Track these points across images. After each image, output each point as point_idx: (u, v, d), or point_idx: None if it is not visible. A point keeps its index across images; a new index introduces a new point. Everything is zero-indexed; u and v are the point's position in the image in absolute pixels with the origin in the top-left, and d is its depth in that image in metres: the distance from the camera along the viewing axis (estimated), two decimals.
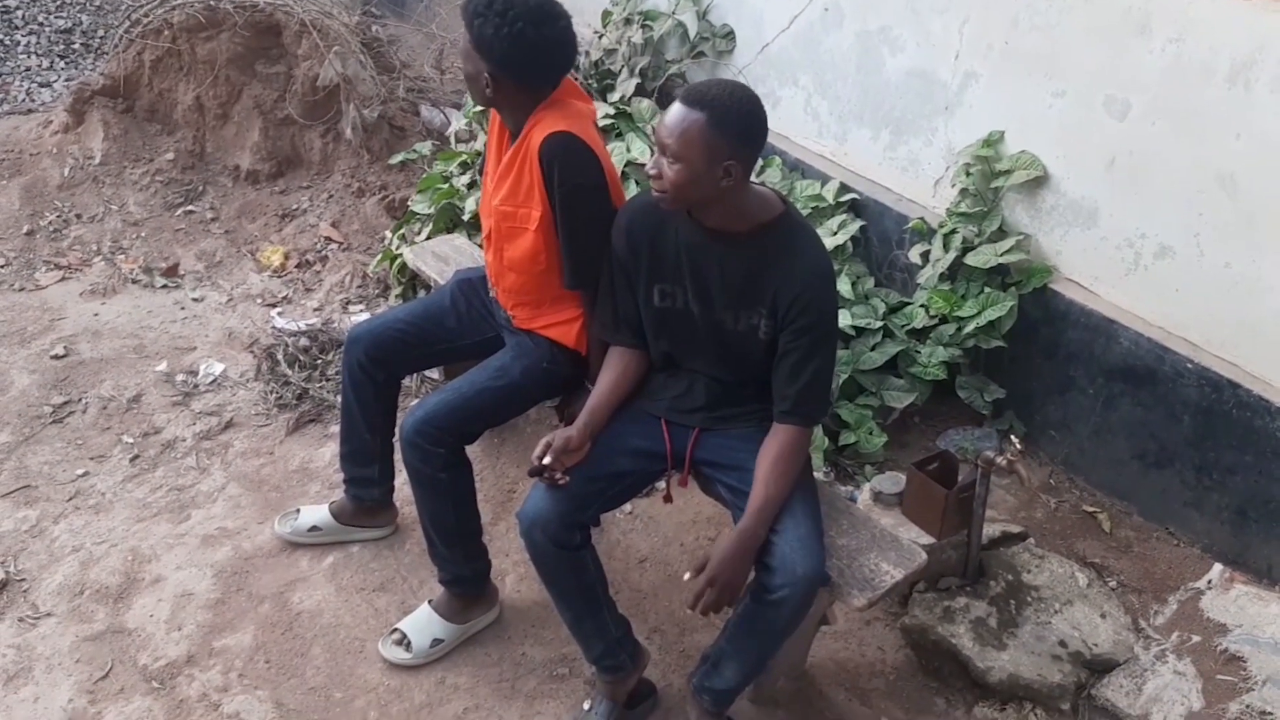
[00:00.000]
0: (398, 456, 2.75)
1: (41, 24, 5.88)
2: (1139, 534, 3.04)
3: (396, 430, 2.83)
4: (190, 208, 4.53)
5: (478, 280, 2.78)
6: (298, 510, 3.00)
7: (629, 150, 3.77)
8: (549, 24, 2.34)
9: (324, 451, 3.29)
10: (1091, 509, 3.13)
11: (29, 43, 5.76)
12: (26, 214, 4.36)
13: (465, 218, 3.77)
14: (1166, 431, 2.97)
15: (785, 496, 2.17)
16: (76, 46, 5.85)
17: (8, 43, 5.71)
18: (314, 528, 2.94)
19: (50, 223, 4.35)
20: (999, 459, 2.60)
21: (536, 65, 2.36)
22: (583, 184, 2.36)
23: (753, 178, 2.20)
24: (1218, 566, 2.85)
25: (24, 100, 5.36)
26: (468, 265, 3.23)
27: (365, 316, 3.85)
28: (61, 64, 5.72)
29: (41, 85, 5.53)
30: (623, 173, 3.67)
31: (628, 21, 4.38)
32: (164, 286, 4.09)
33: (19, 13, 5.88)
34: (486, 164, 2.63)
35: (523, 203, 2.42)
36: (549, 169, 2.33)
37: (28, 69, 5.62)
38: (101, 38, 5.85)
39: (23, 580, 2.83)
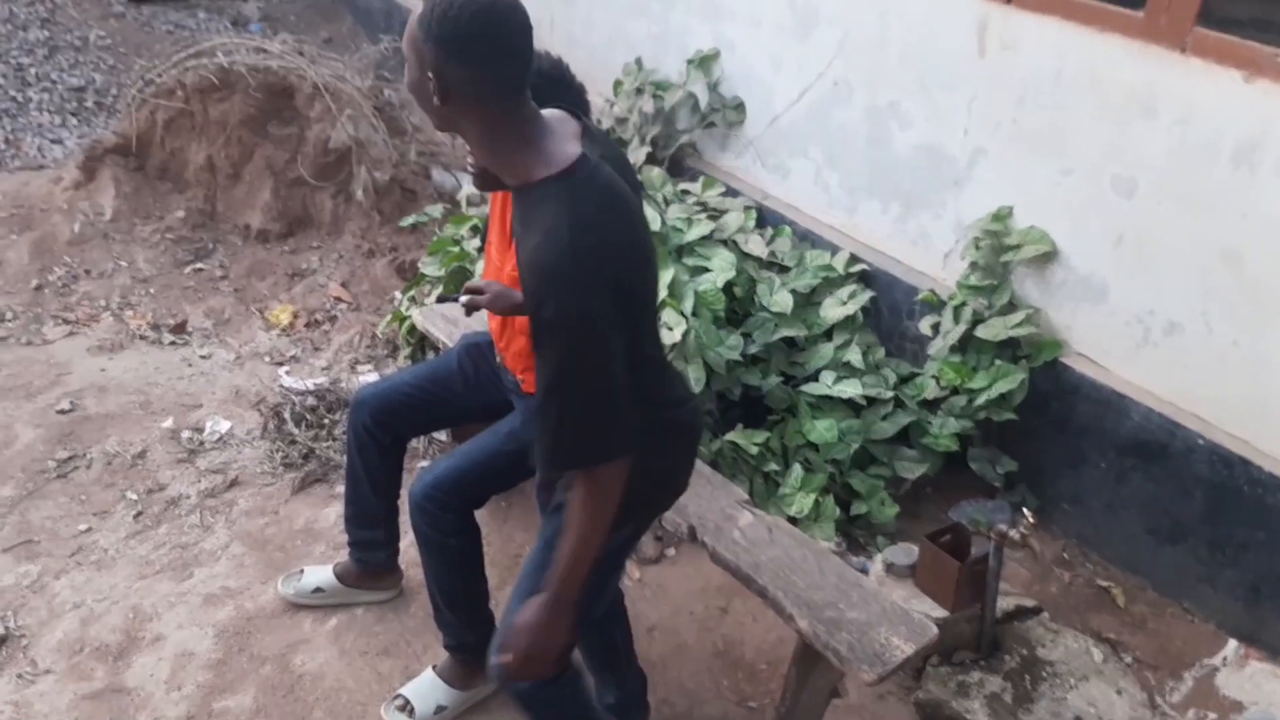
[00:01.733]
0: (403, 519, 2.72)
1: (55, 81, 5.95)
2: (1154, 609, 3.02)
3: (402, 493, 2.81)
4: (200, 265, 4.55)
5: (485, 344, 2.78)
6: (301, 571, 2.96)
7: None
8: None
9: (329, 512, 3.26)
10: (1106, 583, 3.11)
11: (42, 100, 5.82)
12: (35, 269, 4.37)
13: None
14: (1179, 507, 2.97)
15: (567, 563, 1.82)
16: (89, 104, 5.91)
17: (20, 99, 5.77)
18: (318, 589, 2.91)
19: (59, 278, 4.35)
20: (1012, 532, 2.59)
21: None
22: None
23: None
24: (1233, 643, 2.83)
25: (35, 156, 5.41)
26: (476, 329, 3.24)
27: (373, 377, 3.85)
28: (74, 121, 5.77)
29: (53, 142, 5.58)
30: None
31: (639, 91, 4.45)
32: (172, 343, 4.08)
33: (32, 70, 5.95)
34: (490, 231, 2.65)
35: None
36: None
37: (40, 125, 5.67)
38: (114, 96, 5.91)
39: (23, 636, 2.77)
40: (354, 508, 2.83)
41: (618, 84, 4.65)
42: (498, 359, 2.71)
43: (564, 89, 2.38)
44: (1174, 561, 3.02)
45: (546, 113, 1.77)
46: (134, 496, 3.28)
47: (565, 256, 1.61)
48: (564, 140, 1.74)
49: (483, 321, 3.32)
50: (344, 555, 2.95)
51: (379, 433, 2.70)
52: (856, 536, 3.19)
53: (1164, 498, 3.00)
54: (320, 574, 2.93)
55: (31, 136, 5.57)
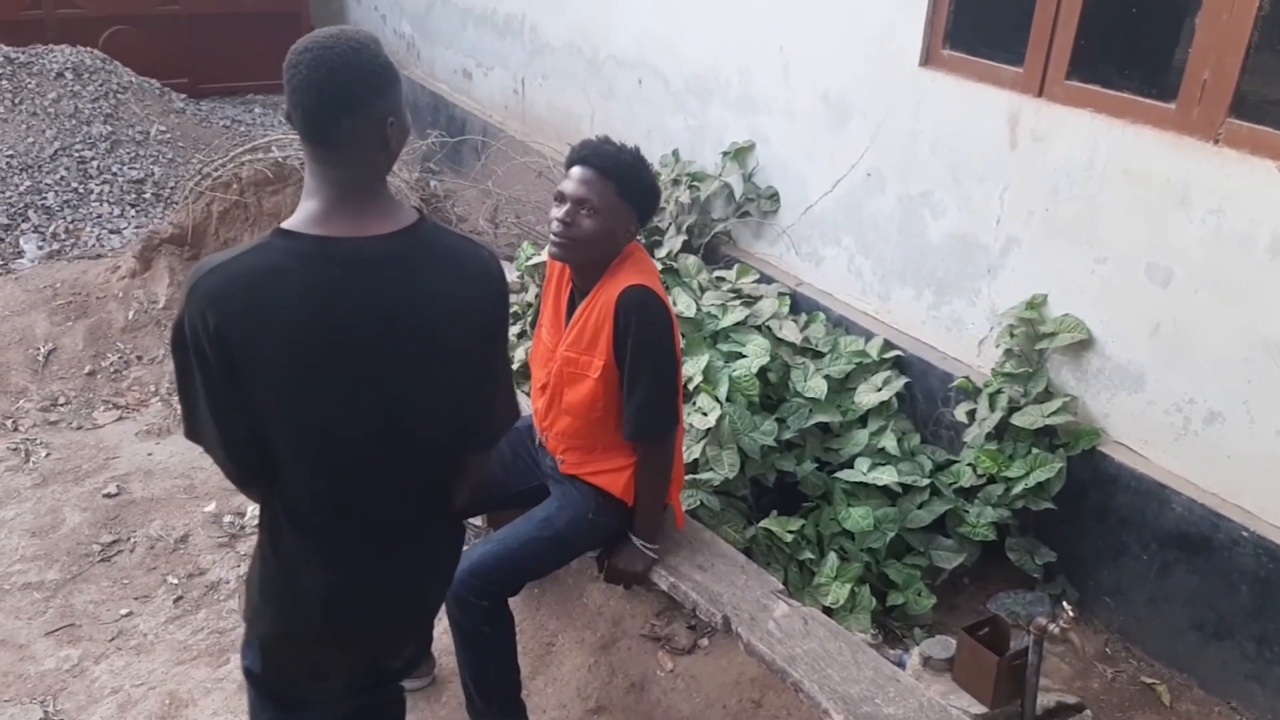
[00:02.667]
0: None
1: (115, 174, 6.19)
2: (1200, 708, 2.93)
3: None
4: None
5: (524, 430, 2.82)
6: None
7: (675, 304, 3.86)
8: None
9: None
10: (1150, 680, 3.03)
11: (102, 191, 6.05)
12: (89, 354, 4.50)
13: (515, 367, 3.85)
14: (1224, 601, 2.90)
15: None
16: (148, 196, 6.14)
17: (82, 191, 6.00)
18: None
19: (112, 363, 4.48)
20: (1052, 625, 2.54)
21: (653, 211, 2.57)
22: (656, 337, 2.46)
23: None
24: None
25: (94, 246, 5.61)
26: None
27: None
28: (132, 212, 5.99)
29: (112, 232, 5.79)
30: None
31: (676, 182, 4.54)
32: None
33: (94, 163, 6.20)
34: (542, 314, 2.70)
35: (586, 350, 2.49)
36: (625, 321, 2.42)
37: (99, 216, 5.89)
38: (172, 188, 6.14)
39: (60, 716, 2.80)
40: None
41: (655, 175, 4.75)
42: (538, 440, 2.74)
43: (637, 182, 2.51)
44: (1220, 658, 2.93)
45: (363, 196, 1.64)
46: (175, 581, 3.32)
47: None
48: (323, 210, 1.62)
49: (522, 406, 3.36)
50: None
51: None
52: (893, 628, 3.14)
53: (1209, 592, 2.93)
54: None
55: (91, 226, 5.78)
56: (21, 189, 5.85)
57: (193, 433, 1.70)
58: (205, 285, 1.55)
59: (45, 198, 5.87)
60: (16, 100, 6.29)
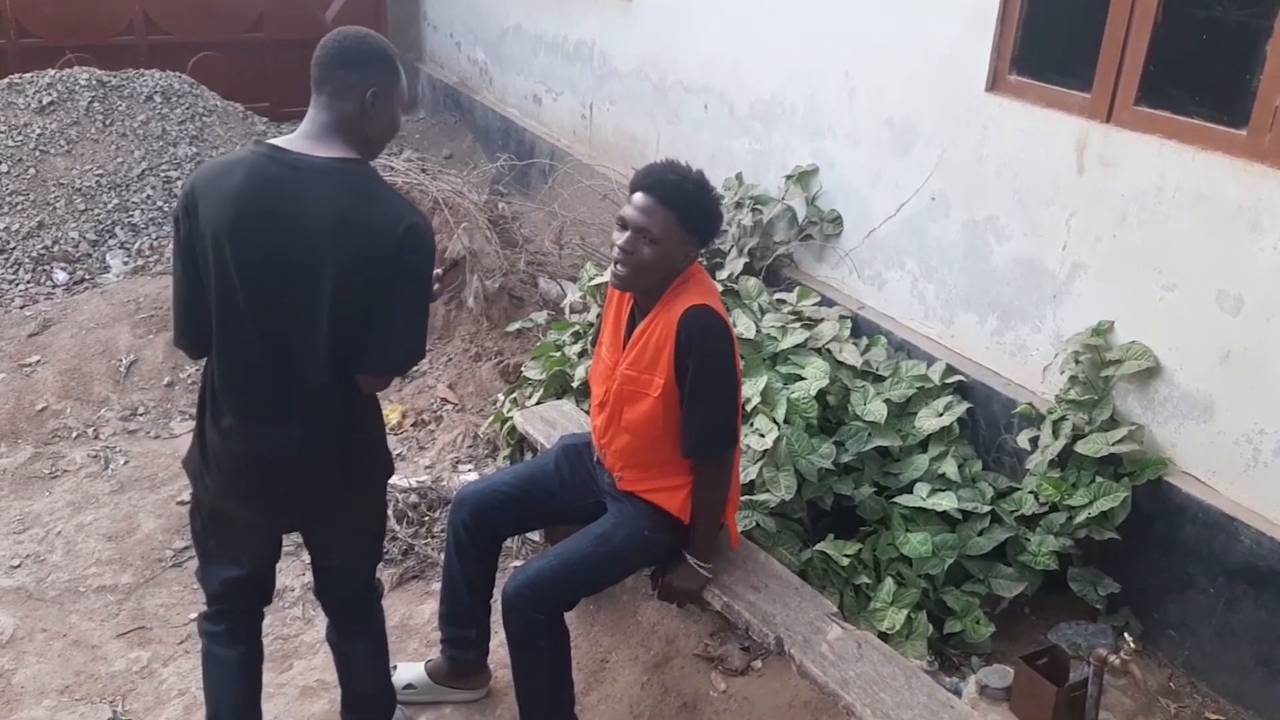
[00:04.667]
0: (495, 618, 2.77)
1: None
2: None
3: (496, 592, 2.87)
4: None
5: (583, 446, 2.86)
6: (394, 666, 3.02)
7: (735, 325, 3.88)
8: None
9: (424, 609, 3.33)
10: (1215, 717, 2.95)
11: None
12: (169, 367, 4.66)
13: (574, 384, 3.90)
14: None
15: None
16: None
17: (166, 209, 6.23)
18: (409, 686, 2.96)
19: (189, 375, 4.63)
20: (1113, 658, 2.50)
21: (715, 236, 2.64)
22: (717, 357, 2.49)
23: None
24: None
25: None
26: (574, 430, 3.33)
27: (473, 476, 3.96)
28: None
29: None
30: None
31: (739, 205, 4.57)
32: None
33: (179, 183, 6.43)
34: (603, 333, 2.75)
35: (647, 368, 2.53)
36: (687, 340, 2.45)
37: None
38: None
39: (128, 715, 2.90)
40: (448, 605, 2.90)
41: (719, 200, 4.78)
42: (596, 457, 2.78)
43: (699, 211, 2.52)
44: None
45: (314, 125, 2.12)
46: None
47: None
48: (296, 136, 2.13)
49: (580, 424, 3.41)
50: (436, 652, 3.01)
51: (477, 531, 2.78)
52: (949, 655, 3.10)
53: (1278, 627, 2.84)
54: (412, 671, 2.98)
55: None
56: (110, 207, 6.09)
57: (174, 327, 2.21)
58: (197, 170, 2.12)
59: (132, 215, 6.10)
60: (107, 122, 6.56)
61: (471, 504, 2.79)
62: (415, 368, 4.78)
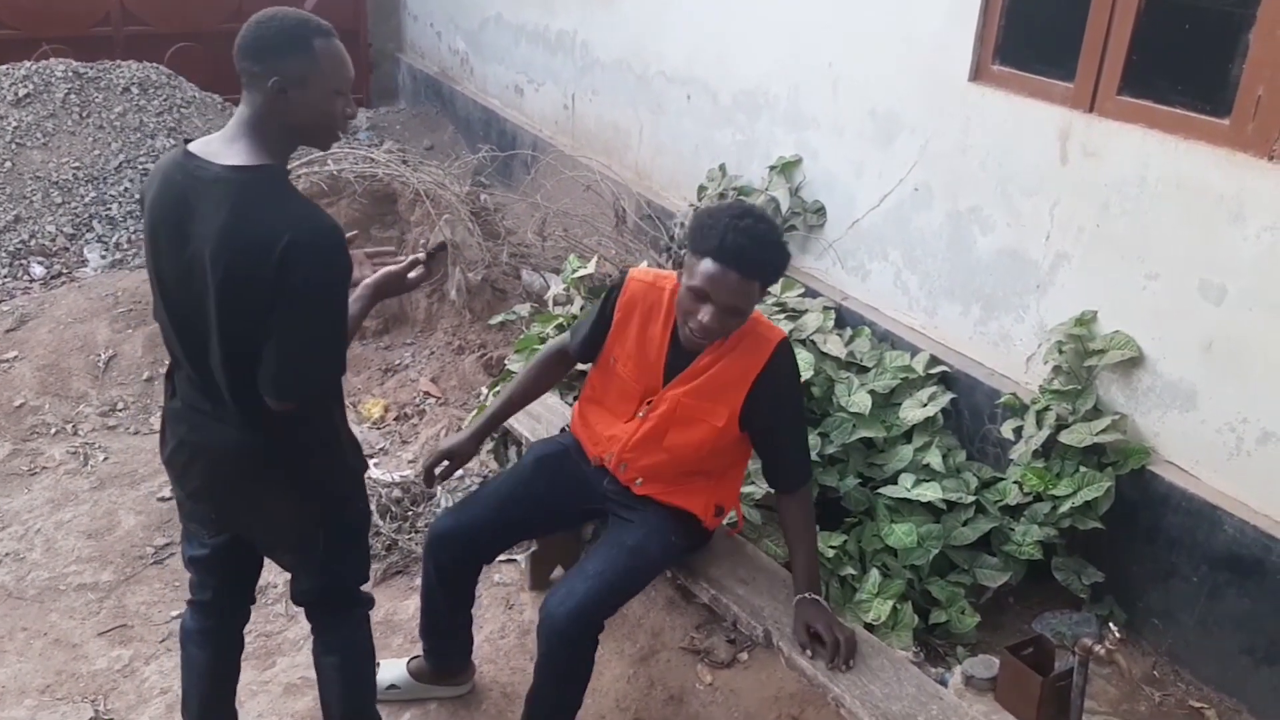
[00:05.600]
0: (485, 614, 2.75)
1: None
2: None
3: (481, 589, 2.82)
4: None
5: (562, 453, 2.75)
6: (377, 664, 2.99)
7: None
8: None
9: (408, 604, 3.31)
10: (1199, 704, 2.96)
11: None
12: (148, 361, 4.61)
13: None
14: (1277, 626, 2.83)
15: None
16: None
17: None
18: (392, 686, 2.93)
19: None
20: (1098, 647, 2.50)
21: None
22: (796, 386, 2.55)
23: None
24: None
25: None
26: (559, 423, 3.31)
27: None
28: None
29: None
30: None
31: (722, 196, 4.56)
32: None
33: None
34: (619, 345, 2.59)
35: (713, 398, 2.47)
36: (776, 375, 2.45)
37: None
38: None
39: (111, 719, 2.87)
40: (430, 624, 2.85)
41: (701, 189, 4.78)
42: (599, 463, 2.66)
43: (780, 271, 2.43)
44: (1271, 683, 2.86)
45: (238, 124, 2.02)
46: None
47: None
48: (215, 136, 2.04)
49: (565, 416, 3.38)
50: (420, 647, 2.99)
51: (458, 570, 2.72)
52: (935, 646, 3.11)
53: (1261, 615, 2.86)
54: (394, 671, 2.95)
55: None
56: (87, 200, 6.03)
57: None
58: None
59: (110, 209, 6.04)
60: (84, 114, 6.48)
61: (451, 547, 2.67)
62: (399, 361, 4.75)
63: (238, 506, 2.25)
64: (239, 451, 2.13)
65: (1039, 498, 3.18)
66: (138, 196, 2.02)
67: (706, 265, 2.28)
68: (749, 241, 2.27)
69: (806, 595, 2.53)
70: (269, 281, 1.89)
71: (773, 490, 2.64)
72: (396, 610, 3.30)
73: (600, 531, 2.78)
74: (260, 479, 2.18)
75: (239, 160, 1.95)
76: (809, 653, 2.43)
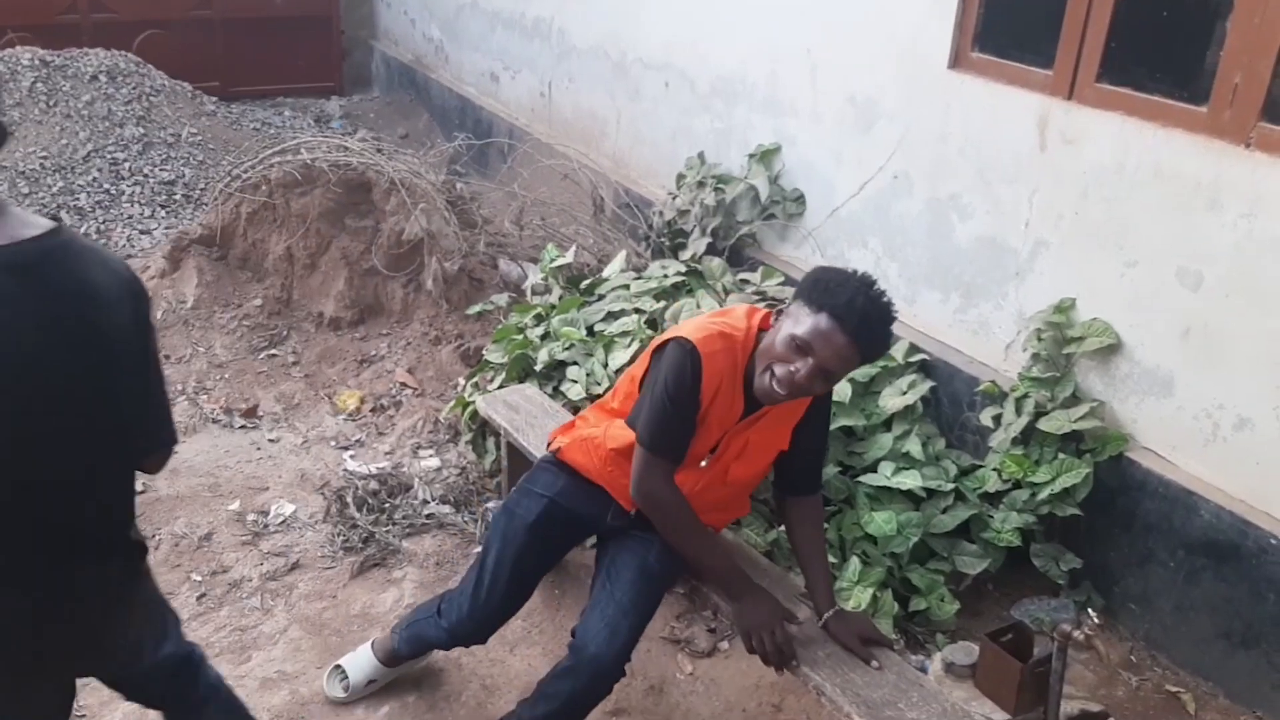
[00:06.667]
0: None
1: (147, 175, 6.26)
2: (1225, 717, 2.89)
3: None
4: (273, 351, 4.70)
5: (548, 509, 2.62)
6: (341, 669, 2.92)
7: (699, 307, 3.85)
8: None
9: (385, 597, 3.29)
10: (1175, 689, 2.98)
11: (133, 192, 6.12)
12: None
13: (537, 368, 3.85)
14: (1252, 610, 2.85)
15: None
16: (178, 197, 6.20)
17: (114, 192, 6.08)
18: (371, 681, 2.90)
19: None
20: (1076, 632, 2.52)
21: None
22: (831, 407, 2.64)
23: None
24: None
25: (125, 246, 5.67)
26: (536, 413, 3.28)
27: (435, 462, 3.91)
28: (163, 213, 6.05)
29: (142, 232, 5.86)
30: None
31: (701, 184, 4.54)
32: (242, 427, 4.20)
33: (126, 165, 6.28)
34: (709, 417, 2.40)
35: (780, 425, 2.46)
36: (825, 402, 2.52)
37: (130, 216, 5.96)
38: (202, 190, 6.20)
39: (83, 717, 2.82)
40: (416, 648, 2.87)
41: (680, 177, 4.75)
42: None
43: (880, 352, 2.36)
44: (1248, 667, 2.89)
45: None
46: (198, 578, 3.34)
47: None
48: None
49: (544, 408, 3.36)
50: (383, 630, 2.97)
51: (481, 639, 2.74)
52: (915, 633, 3.11)
53: (1236, 600, 2.88)
54: (365, 665, 2.89)
55: (122, 227, 5.85)
56: (55, 190, 5.93)
57: None
58: None
59: (78, 198, 5.95)
60: (51, 103, 6.38)
61: (474, 639, 2.71)
62: (374, 352, 4.70)
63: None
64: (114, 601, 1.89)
65: (1018, 485, 3.19)
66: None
67: (822, 320, 2.18)
68: (875, 311, 2.20)
69: (840, 608, 2.51)
70: (143, 324, 1.76)
71: (784, 495, 2.59)
72: (374, 603, 3.27)
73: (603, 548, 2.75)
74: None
75: (39, 230, 1.60)
76: (874, 663, 2.39)
